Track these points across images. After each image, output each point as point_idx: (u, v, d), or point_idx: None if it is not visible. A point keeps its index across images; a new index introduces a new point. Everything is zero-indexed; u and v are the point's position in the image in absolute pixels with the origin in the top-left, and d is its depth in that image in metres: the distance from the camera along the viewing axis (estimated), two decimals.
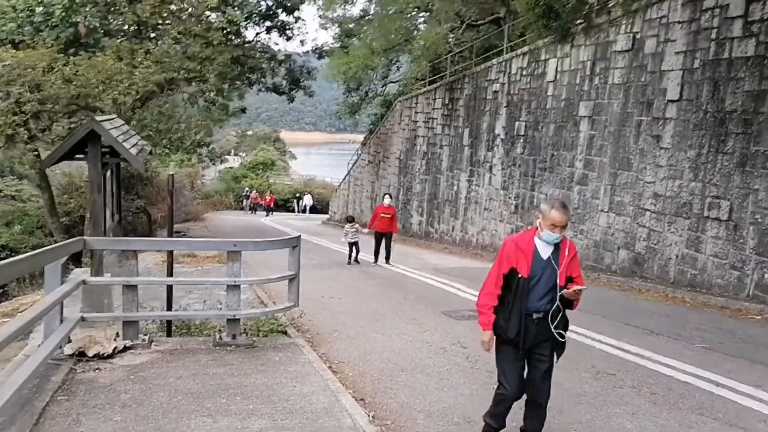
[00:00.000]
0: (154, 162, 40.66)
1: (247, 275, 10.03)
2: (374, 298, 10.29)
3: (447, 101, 20.98)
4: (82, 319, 5.93)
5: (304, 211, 41.40)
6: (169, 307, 6.88)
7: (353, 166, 32.79)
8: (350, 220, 15.44)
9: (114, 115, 10.92)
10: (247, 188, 45.13)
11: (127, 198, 27.46)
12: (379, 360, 6.71)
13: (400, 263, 14.82)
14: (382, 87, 37.30)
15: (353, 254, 14.82)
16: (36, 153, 16.49)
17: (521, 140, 16.28)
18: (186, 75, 17.93)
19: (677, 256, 11.07)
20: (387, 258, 14.61)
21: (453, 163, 20.31)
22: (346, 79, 28.60)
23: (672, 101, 11.34)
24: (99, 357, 5.73)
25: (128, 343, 6.06)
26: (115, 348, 5.88)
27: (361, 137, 38.67)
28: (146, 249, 11.15)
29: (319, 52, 28.10)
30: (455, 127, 20.26)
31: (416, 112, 23.70)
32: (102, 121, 7.73)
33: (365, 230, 15.22)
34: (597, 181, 13.25)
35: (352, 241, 14.72)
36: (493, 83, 17.92)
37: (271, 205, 38.73)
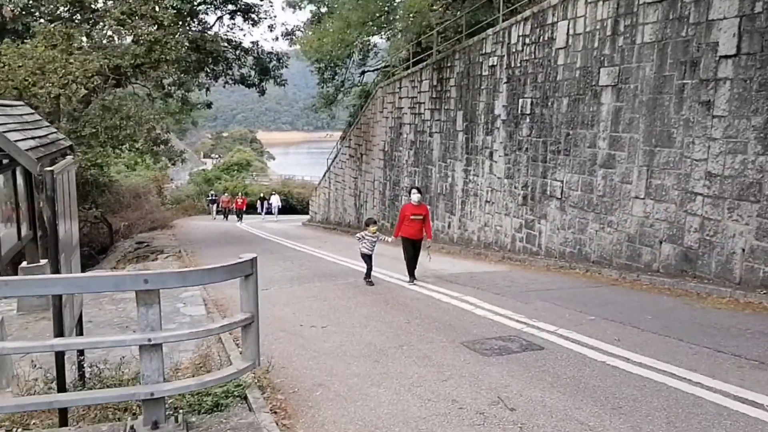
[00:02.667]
0: (118, 167, 37.98)
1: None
2: (369, 325, 7.92)
3: (435, 82, 18.65)
4: None
5: (269, 213, 37.89)
6: (61, 381, 4.42)
7: (333, 161, 30.36)
8: (369, 223, 11.29)
9: (20, 103, 8.42)
10: (212, 191, 41.57)
11: (82, 208, 24.84)
12: None
13: (395, 271, 12.47)
14: (360, 76, 34.91)
15: (370, 270, 11.16)
16: None
17: (527, 120, 13.99)
18: (132, 62, 15.38)
19: (744, 250, 8.85)
20: (410, 272, 11.12)
21: (446, 152, 17.99)
22: (320, 56, 26.06)
23: (726, 57, 9.10)
24: None
25: None
26: None
27: (339, 134, 36.09)
28: None
29: (290, 38, 25.54)
30: (446, 110, 17.94)
31: (400, 98, 21.34)
32: None
33: (389, 238, 11.39)
34: (627, 162, 11.00)
35: (369, 252, 11.07)
36: (489, 57, 15.61)
37: (243, 209, 35.78)
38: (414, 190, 11.28)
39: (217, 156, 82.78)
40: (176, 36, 18.46)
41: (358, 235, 11.50)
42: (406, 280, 11.08)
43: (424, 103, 19.44)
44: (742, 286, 8.76)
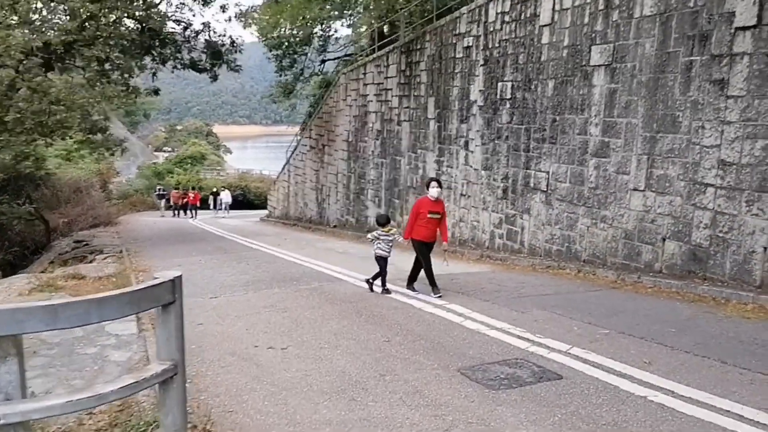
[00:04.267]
0: (58, 160, 35.41)
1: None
2: (340, 345, 6.52)
3: (404, 67, 17.29)
4: None
5: (221, 209, 35.61)
6: None
7: (293, 153, 28.73)
8: (383, 221, 9.43)
9: None
10: (159, 185, 38.90)
11: (13, 203, 22.69)
12: None
13: (361, 272, 11.10)
14: (321, 64, 33.28)
15: (384, 276, 9.32)
16: None
17: (507, 105, 12.77)
18: (63, 38, 13.53)
19: (766, 249, 7.78)
20: (431, 282, 9.01)
21: (416, 142, 16.67)
22: (277, 39, 24.39)
23: (744, 29, 8.01)
24: None
25: None
26: None
27: (299, 128, 34.26)
28: None
29: (245, 20, 23.71)
30: (416, 97, 16.60)
31: (365, 84, 19.91)
32: None
33: (400, 239, 9.38)
34: (624, 150, 9.86)
35: (385, 254, 9.23)
36: (463, 38, 14.33)
37: (196, 204, 33.55)
38: (433, 183, 8.90)
39: (170, 149, 79.88)
40: (115, 12, 16.65)
41: (370, 235, 9.65)
42: (379, 284, 9.72)
43: (391, 89, 18.07)
44: (765, 290, 7.69)
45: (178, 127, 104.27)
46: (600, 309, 7.62)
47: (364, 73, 19.95)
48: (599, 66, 10.32)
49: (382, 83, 18.60)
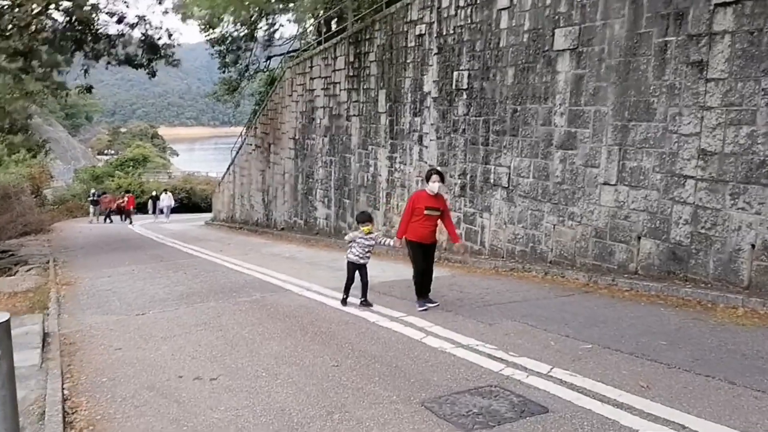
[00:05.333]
0: None
1: None
2: (281, 373, 5.44)
3: (352, 58, 16.25)
4: None
5: (161, 213, 33.19)
6: None
7: (237, 153, 27.32)
8: (362, 220, 7.96)
9: None
10: (93, 190, 36.25)
11: None
12: None
13: (309, 280, 10.02)
14: (266, 60, 31.87)
15: (352, 285, 7.94)
16: None
17: (464, 96, 11.88)
18: None
19: (754, 246, 7.07)
20: (425, 291, 7.75)
21: (366, 138, 15.65)
22: (221, 30, 22.91)
23: (724, 5, 7.29)
24: None
25: None
26: None
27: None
28: None
29: (182, 12, 22.16)
30: (366, 90, 15.59)
31: (312, 79, 18.77)
32: None
33: (390, 241, 8.03)
34: (593, 141, 9.08)
35: (360, 261, 7.84)
36: (415, 25, 13.39)
37: (130, 209, 31.39)
38: (434, 176, 7.59)
39: (113, 152, 76.78)
40: (38, 1, 15.09)
41: (348, 237, 8.04)
42: (325, 294, 8.65)
43: (339, 82, 17.00)
44: (753, 291, 6.99)
45: (122, 130, 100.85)
46: (577, 318, 6.76)
47: (311, 67, 18.81)
48: (564, 51, 9.52)
49: (330, 77, 17.51)
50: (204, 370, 5.66)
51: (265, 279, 10.64)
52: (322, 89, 18.09)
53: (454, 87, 12.15)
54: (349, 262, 7.91)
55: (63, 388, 5.31)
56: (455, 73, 12.09)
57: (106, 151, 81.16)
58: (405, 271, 10.37)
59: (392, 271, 10.65)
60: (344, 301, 7.96)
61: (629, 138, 8.50)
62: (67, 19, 21.30)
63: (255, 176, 24.56)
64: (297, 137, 19.94)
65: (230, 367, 5.70)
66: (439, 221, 7.76)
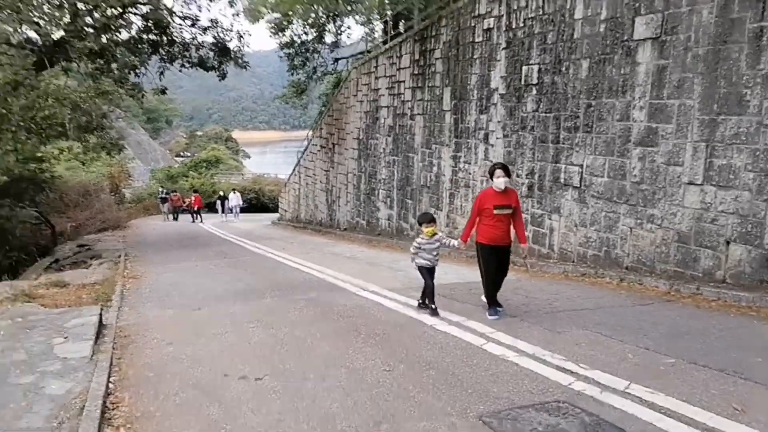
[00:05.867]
0: (71, 162, 34.42)
1: None
2: (329, 376, 5.10)
3: (417, 56, 15.88)
4: None
5: (230, 212, 33.09)
6: None
7: (303, 154, 27.45)
8: (423, 221, 7.31)
9: None
10: (161, 188, 36.25)
11: (15, 206, 21.60)
12: None
13: (367, 280, 9.68)
14: (333, 63, 31.96)
15: (431, 290, 7.23)
16: None
17: (533, 92, 11.29)
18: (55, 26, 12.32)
19: None
20: (490, 296, 7.10)
21: (430, 137, 15.23)
22: (290, 33, 23.02)
23: None
24: None
25: None
26: None
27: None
28: None
29: (254, 14, 22.38)
30: (431, 88, 15.18)
31: (377, 78, 18.53)
32: None
33: (454, 242, 7.30)
34: (676, 137, 8.33)
35: (429, 264, 7.26)
36: (483, 19, 12.88)
37: (196, 207, 31.39)
38: (498, 170, 6.86)
39: (188, 154, 79.53)
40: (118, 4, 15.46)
41: (412, 247, 7.36)
42: (384, 295, 8.29)
43: (404, 81, 16.66)
44: None
45: (199, 133, 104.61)
46: (657, 329, 6.11)
47: (376, 66, 18.57)
48: (645, 40, 8.81)
49: (395, 75, 17.20)
50: (250, 369, 5.40)
51: (323, 278, 10.40)
52: (386, 88, 17.81)
53: (522, 82, 11.57)
54: (420, 267, 7.31)
55: (108, 383, 5.16)
56: (524, 68, 11.51)
57: (182, 153, 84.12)
58: (468, 274, 9.92)
59: (454, 273, 10.18)
60: (435, 311, 7.07)
61: (718, 133, 7.73)
62: (144, 23, 22.01)
63: (319, 176, 24.56)
64: (361, 137, 19.74)
65: (277, 367, 5.41)
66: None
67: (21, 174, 21.26)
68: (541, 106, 11.07)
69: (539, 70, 11.11)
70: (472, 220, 7.16)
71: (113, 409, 4.63)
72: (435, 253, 7.26)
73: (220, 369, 5.47)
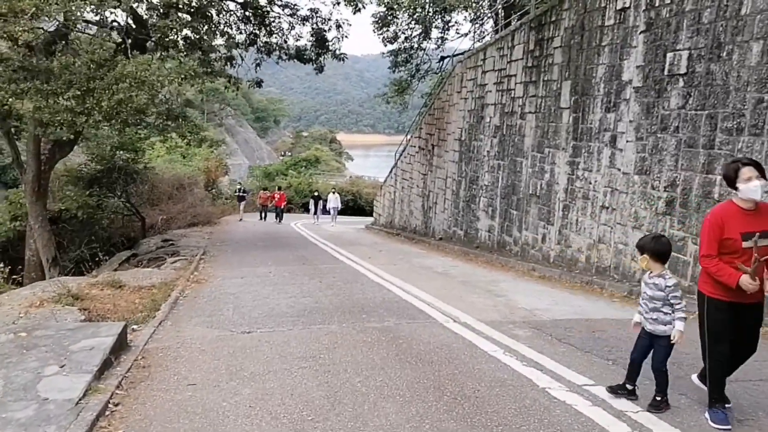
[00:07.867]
0: (172, 155, 34.93)
1: None
2: None
3: (532, 46, 13.85)
4: None
5: (325, 213, 30.71)
6: None
7: (400, 156, 25.96)
8: (656, 250, 4.44)
9: None
10: (239, 185, 33.65)
11: (104, 197, 21.62)
12: None
13: (459, 306, 7.88)
14: (439, 61, 30.29)
15: (635, 372, 4.58)
16: None
17: (680, 83, 9.04)
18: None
19: None
20: (713, 389, 4.22)
21: (543, 139, 13.16)
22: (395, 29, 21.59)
23: None
24: None
25: None
26: None
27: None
28: None
29: (354, 4, 21.04)
30: (546, 82, 13.12)
31: (483, 72, 16.64)
32: None
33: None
34: None
35: (648, 327, 4.45)
36: None
37: (281, 206, 29.76)
38: (746, 169, 4.07)
39: (290, 154, 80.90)
40: None
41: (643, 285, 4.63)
42: (477, 327, 6.46)
43: (515, 75, 14.67)
44: None
45: (304, 134, 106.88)
46: None
47: (483, 59, 16.68)
48: None
49: (504, 69, 15.25)
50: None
51: (406, 298, 8.73)
52: (494, 84, 15.88)
53: (666, 72, 9.33)
54: (635, 323, 4.64)
55: None
56: (669, 55, 9.27)
57: (286, 152, 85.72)
58: (585, 304, 7.88)
59: (565, 303, 8.18)
60: (624, 390, 4.57)
61: None
62: (243, 12, 21.37)
63: (416, 180, 22.94)
64: (463, 138, 17.91)
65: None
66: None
67: (114, 163, 21.25)
68: (690, 102, 8.81)
69: (689, 57, 8.85)
70: (717, 260, 4.14)
71: None
72: (653, 305, 4.39)
73: (269, 416, 3.93)
